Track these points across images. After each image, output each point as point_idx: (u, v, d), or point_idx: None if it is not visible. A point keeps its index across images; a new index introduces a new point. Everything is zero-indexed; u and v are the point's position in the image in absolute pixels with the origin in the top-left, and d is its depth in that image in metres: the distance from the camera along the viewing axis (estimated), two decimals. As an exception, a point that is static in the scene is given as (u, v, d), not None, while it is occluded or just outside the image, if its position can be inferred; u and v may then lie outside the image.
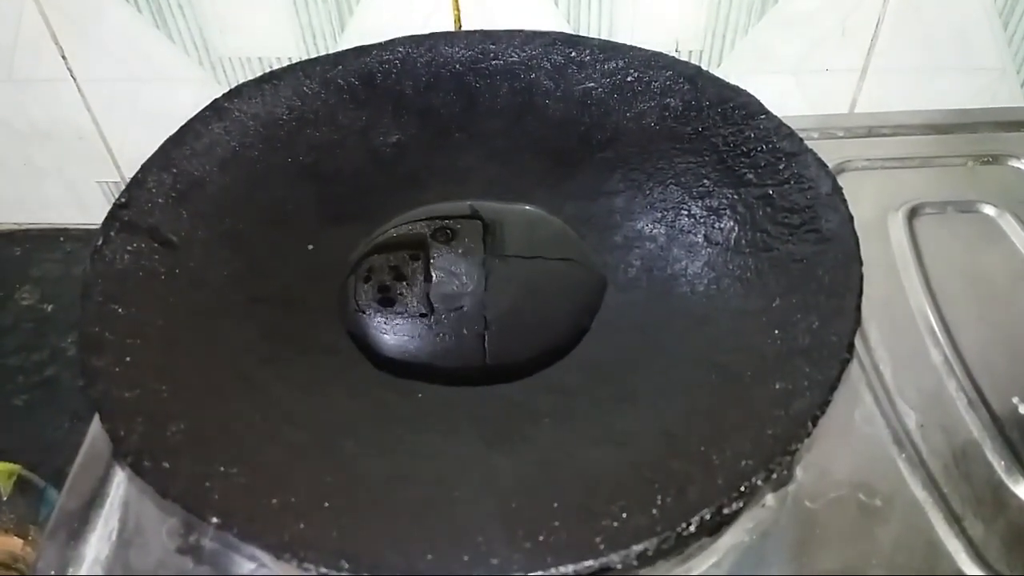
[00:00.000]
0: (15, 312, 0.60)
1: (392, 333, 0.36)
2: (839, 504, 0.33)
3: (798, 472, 0.34)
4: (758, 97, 0.40)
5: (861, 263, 0.32)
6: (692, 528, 0.25)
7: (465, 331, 0.36)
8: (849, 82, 0.55)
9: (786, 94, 0.56)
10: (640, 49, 0.43)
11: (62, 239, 0.67)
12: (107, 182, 0.63)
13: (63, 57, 0.55)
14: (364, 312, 0.36)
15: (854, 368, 0.38)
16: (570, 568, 0.24)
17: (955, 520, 0.33)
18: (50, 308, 0.54)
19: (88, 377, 0.30)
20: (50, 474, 0.51)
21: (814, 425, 0.27)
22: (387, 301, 0.37)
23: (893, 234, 0.44)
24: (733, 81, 0.40)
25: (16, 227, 0.67)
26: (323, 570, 0.24)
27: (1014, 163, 0.47)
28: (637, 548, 0.24)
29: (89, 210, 0.65)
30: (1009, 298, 0.41)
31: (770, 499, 0.33)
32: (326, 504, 0.27)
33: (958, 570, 0.31)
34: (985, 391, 0.37)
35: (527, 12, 0.52)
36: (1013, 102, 0.56)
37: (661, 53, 0.42)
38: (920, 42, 0.53)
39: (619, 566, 0.24)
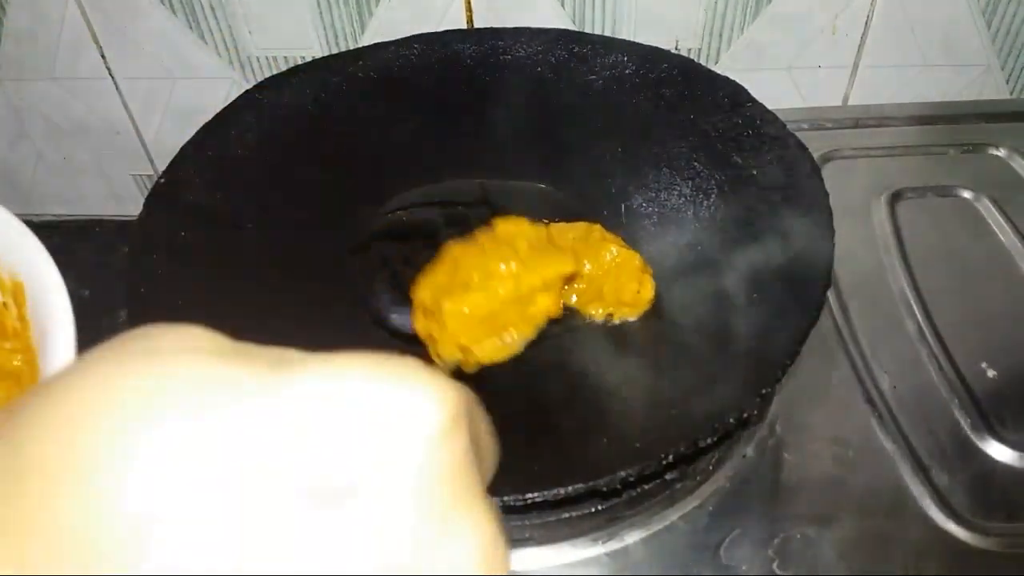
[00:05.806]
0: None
1: (401, 316, 0.39)
2: (815, 455, 0.36)
3: (777, 428, 0.37)
4: (754, 92, 0.42)
5: (833, 233, 0.35)
6: (670, 457, 0.28)
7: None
8: (841, 78, 0.58)
9: (781, 90, 0.59)
10: (637, 44, 0.46)
11: (97, 229, 0.71)
12: (141, 175, 0.67)
13: (102, 56, 0.59)
14: (378, 297, 0.39)
15: (833, 336, 0.41)
16: (561, 491, 0.27)
17: (922, 470, 0.35)
18: (87, 293, 0.59)
19: (134, 321, 0.33)
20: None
21: (783, 373, 0.31)
22: (399, 286, 0.39)
23: (876, 216, 0.47)
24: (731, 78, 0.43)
25: (55, 218, 0.71)
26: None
27: (993, 151, 0.50)
28: (621, 473, 0.28)
29: (123, 202, 0.69)
30: (982, 274, 0.44)
31: (749, 451, 0.36)
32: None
33: (923, 512, 0.34)
34: (956, 357, 0.40)
35: (535, 12, 0.55)
36: (999, 96, 0.59)
37: (657, 47, 0.45)
38: (908, 40, 0.56)
39: (604, 488, 0.27)
